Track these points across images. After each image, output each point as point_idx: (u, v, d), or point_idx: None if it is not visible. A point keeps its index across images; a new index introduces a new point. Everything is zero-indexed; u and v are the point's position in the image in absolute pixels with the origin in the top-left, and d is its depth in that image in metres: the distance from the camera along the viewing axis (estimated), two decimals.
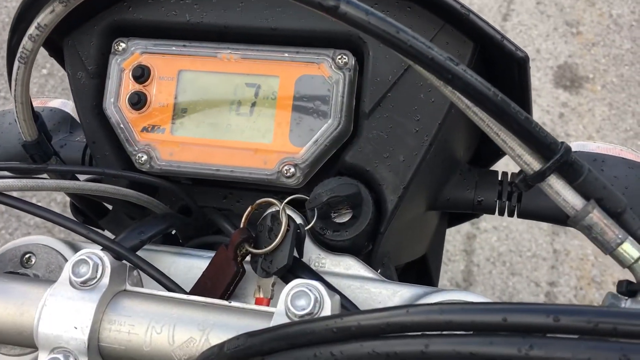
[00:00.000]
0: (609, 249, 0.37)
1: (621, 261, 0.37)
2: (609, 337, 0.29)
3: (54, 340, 0.43)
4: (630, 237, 0.36)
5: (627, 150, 0.64)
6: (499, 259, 2.23)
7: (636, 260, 0.37)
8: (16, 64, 0.47)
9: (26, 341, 0.45)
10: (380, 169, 0.54)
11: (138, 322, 0.44)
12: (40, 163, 0.54)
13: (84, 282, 0.44)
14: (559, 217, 0.60)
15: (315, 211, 0.52)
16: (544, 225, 2.25)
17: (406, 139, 0.54)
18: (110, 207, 0.68)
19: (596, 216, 0.36)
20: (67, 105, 0.72)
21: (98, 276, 0.44)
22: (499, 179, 0.63)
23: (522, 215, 0.62)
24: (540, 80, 2.45)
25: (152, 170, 0.57)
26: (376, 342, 0.33)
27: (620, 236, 0.36)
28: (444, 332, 0.32)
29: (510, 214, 0.62)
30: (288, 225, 0.51)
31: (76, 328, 0.43)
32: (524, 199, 0.61)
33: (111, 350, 0.44)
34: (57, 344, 0.43)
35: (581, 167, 0.37)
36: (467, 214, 0.79)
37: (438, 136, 0.54)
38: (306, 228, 0.52)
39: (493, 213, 0.63)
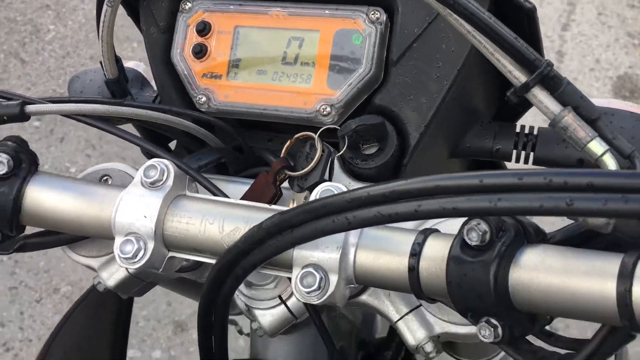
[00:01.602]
0: (581, 146, 0.44)
1: (590, 155, 0.44)
2: (561, 190, 0.36)
3: (128, 227, 0.53)
4: (598, 136, 0.43)
5: (637, 107, 0.70)
6: None
7: (601, 155, 0.44)
8: (105, 7, 0.58)
9: (105, 232, 0.55)
10: (404, 110, 0.63)
11: (194, 216, 0.53)
12: (119, 99, 0.65)
13: (152, 183, 0.54)
14: (570, 163, 0.67)
15: (346, 139, 0.60)
16: None
17: (428, 83, 0.62)
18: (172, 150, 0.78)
19: (570, 118, 0.43)
20: (139, 66, 0.83)
21: (164, 179, 0.54)
22: (517, 130, 0.70)
23: (536, 162, 0.69)
24: (598, 90, 2.45)
25: (210, 110, 0.67)
26: (381, 206, 0.41)
27: (590, 134, 0.43)
28: (435, 196, 0.40)
29: (526, 161, 0.69)
30: (323, 151, 0.59)
31: (145, 217, 0.53)
32: (537, 148, 0.68)
33: (172, 238, 0.53)
34: (130, 230, 0.53)
35: (561, 80, 0.44)
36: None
37: (456, 81, 0.62)
38: (338, 154, 0.61)
39: (509, 160, 0.70)
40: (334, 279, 0.48)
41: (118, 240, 0.53)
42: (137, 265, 0.52)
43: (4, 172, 0.54)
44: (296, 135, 0.63)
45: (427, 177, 0.40)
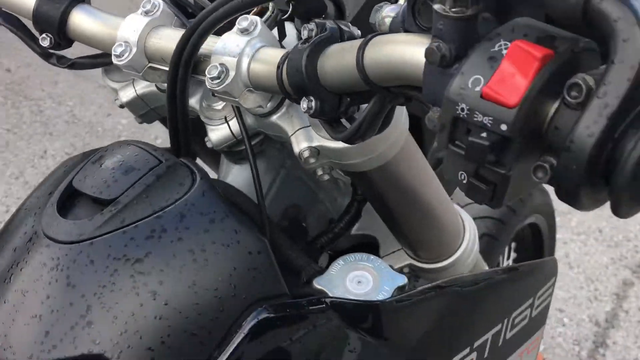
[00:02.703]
0: None
1: None
2: None
3: (123, 37, 0.77)
4: None
5: None
6: None
7: None
8: None
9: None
10: None
11: (166, 37, 0.75)
12: None
13: (146, 12, 0.77)
14: None
15: (291, 5, 0.79)
16: None
17: None
18: None
19: None
20: None
21: (154, 11, 0.78)
22: None
23: None
24: None
25: None
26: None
27: None
28: None
29: None
30: (272, 11, 0.79)
31: (134, 31, 0.76)
32: None
33: (150, 51, 0.76)
34: (124, 39, 0.77)
35: None
36: None
37: None
38: (285, 16, 0.80)
39: None
40: (232, 74, 0.68)
41: (115, 45, 0.77)
42: (123, 62, 0.76)
43: None
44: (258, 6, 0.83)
45: None
